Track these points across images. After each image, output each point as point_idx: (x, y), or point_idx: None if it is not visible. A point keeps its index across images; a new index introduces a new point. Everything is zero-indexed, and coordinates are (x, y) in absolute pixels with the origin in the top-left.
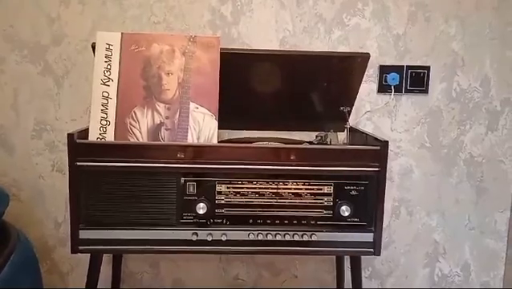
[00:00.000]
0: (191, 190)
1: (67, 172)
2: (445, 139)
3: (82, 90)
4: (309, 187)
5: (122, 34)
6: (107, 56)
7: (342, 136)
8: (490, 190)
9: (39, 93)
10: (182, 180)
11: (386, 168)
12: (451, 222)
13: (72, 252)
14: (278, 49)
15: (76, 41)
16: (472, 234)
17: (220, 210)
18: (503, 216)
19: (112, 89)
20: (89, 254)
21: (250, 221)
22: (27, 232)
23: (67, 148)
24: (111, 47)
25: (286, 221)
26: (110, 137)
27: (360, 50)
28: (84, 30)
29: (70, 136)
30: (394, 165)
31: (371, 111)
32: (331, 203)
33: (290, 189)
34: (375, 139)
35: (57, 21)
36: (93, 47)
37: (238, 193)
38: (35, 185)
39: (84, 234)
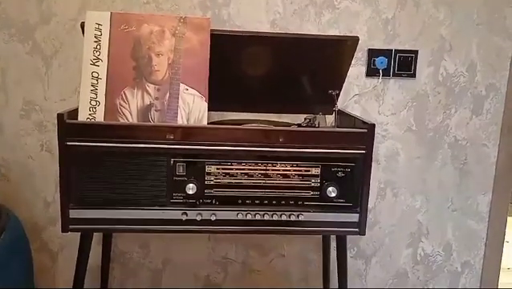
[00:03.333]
0: (181, 171)
1: (56, 153)
2: (431, 122)
3: (71, 70)
4: (297, 168)
5: (111, 13)
6: (96, 36)
7: (330, 119)
8: (473, 173)
9: (28, 73)
10: (172, 161)
11: (372, 150)
12: (434, 204)
13: (63, 231)
14: (268, 31)
15: (65, 20)
16: (454, 216)
17: (209, 191)
18: (485, 198)
19: (102, 69)
20: (79, 234)
21: (239, 201)
22: (17, 212)
23: (56, 128)
24: (100, 27)
25: (274, 202)
26: (100, 118)
27: (350, 34)
28: (73, 9)
29: (60, 116)
30: (380, 148)
31: (360, 94)
32: (318, 184)
33: (278, 170)
34: (363, 122)
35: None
36: (82, 27)
37: (227, 174)
38: (24, 165)
39: (74, 214)
